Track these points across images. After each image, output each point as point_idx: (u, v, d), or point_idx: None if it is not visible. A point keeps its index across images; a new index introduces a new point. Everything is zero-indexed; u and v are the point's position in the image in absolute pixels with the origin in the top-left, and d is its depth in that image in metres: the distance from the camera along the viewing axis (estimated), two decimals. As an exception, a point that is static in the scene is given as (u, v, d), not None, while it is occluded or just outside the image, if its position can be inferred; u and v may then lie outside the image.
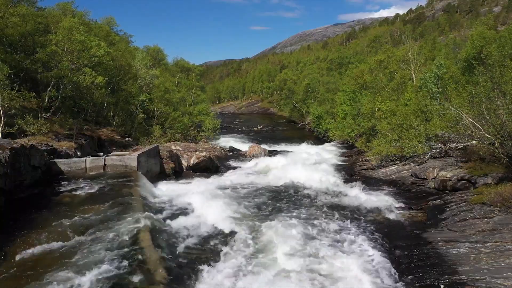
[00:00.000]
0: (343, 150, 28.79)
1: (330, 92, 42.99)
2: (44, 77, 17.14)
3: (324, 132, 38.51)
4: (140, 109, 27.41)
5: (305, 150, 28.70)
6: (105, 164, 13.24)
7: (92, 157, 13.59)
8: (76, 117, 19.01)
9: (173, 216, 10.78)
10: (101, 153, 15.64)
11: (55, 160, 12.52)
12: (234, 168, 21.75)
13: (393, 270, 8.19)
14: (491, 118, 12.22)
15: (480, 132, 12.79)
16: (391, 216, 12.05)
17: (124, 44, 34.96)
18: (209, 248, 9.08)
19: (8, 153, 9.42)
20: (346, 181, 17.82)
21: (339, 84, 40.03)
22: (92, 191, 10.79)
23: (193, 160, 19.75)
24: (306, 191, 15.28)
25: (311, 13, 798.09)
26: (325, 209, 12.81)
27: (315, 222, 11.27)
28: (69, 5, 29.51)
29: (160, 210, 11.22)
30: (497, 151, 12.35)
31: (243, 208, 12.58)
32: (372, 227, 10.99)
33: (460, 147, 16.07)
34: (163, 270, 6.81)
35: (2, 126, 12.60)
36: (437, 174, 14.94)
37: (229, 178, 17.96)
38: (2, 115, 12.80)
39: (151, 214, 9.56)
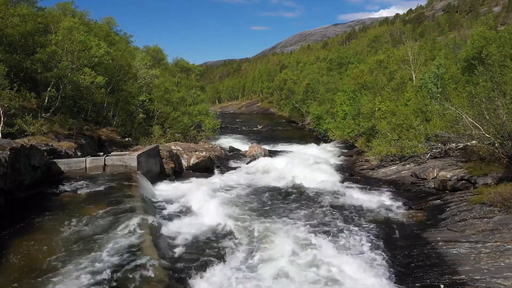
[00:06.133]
0: (343, 150, 28.77)
1: (330, 92, 42.96)
2: (44, 77, 17.13)
3: (324, 132, 38.50)
4: (140, 109, 27.40)
5: (305, 150, 28.69)
6: (105, 164, 13.23)
7: (92, 157, 13.58)
8: (76, 117, 19.00)
9: (173, 216, 10.79)
10: (101, 153, 15.64)
11: (55, 160, 12.51)
12: (234, 168, 21.74)
13: (393, 270, 8.20)
14: (491, 118, 12.23)
15: (480, 132, 12.79)
16: (391, 216, 12.05)
17: (124, 44, 34.91)
18: (209, 248, 9.07)
19: (8, 153, 9.42)
20: (346, 181, 17.82)
21: (339, 84, 40.01)
22: (92, 191, 10.79)
23: (193, 160, 19.74)
24: (306, 191, 15.27)
25: (311, 13, 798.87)
26: (324, 209, 12.80)
27: (315, 222, 11.26)
28: (69, 5, 29.50)
29: (160, 210, 11.23)
30: (497, 151, 12.36)
31: (243, 208, 12.58)
32: (372, 227, 10.98)
33: (460, 147, 16.08)
34: (163, 270, 6.81)
35: (2, 126, 12.60)
36: (437, 174, 14.94)
37: (229, 178, 17.96)
38: (2, 115, 12.80)
39: (151, 214, 9.56)
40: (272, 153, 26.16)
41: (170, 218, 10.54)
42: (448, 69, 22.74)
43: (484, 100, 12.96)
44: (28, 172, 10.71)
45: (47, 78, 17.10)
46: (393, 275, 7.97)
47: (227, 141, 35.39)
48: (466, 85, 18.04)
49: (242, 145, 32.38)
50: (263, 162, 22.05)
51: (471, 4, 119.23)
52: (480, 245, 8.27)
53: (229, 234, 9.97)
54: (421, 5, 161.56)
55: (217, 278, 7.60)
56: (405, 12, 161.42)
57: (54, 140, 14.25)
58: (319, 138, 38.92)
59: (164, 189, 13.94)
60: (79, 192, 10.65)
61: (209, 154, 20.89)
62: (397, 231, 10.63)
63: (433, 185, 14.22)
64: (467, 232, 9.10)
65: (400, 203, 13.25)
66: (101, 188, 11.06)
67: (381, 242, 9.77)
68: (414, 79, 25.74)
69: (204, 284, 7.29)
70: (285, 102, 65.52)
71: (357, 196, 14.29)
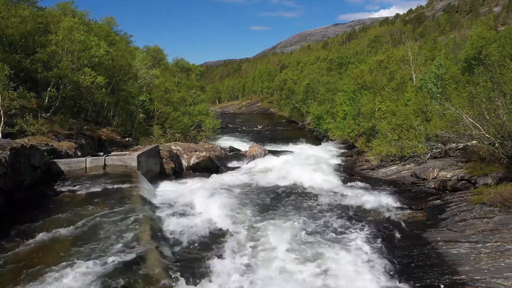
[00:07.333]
0: (343, 150, 28.77)
1: (330, 92, 42.95)
2: (44, 77, 17.13)
3: (324, 132, 38.49)
4: (140, 109, 27.40)
5: (305, 150, 28.69)
6: (105, 164, 13.24)
7: (92, 157, 13.59)
8: (76, 117, 19.00)
9: (173, 216, 10.79)
10: (101, 153, 15.64)
11: (55, 160, 12.51)
12: (234, 168, 21.74)
13: (393, 270, 8.20)
14: (491, 118, 12.23)
15: (480, 132, 12.80)
16: (391, 216, 12.05)
17: (124, 44, 34.91)
18: (209, 247, 9.08)
19: (8, 153, 9.42)
20: (346, 181, 17.82)
21: (339, 84, 39.98)
22: (92, 191, 10.79)
23: (193, 160, 19.74)
24: (306, 191, 15.28)
25: (311, 13, 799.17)
26: (325, 209, 12.81)
27: (315, 222, 11.27)
28: (69, 5, 29.51)
29: (160, 210, 11.23)
30: (497, 151, 12.37)
31: (243, 208, 12.58)
32: (372, 227, 10.98)
33: (460, 147, 16.08)
34: (163, 270, 6.82)
35: (2, 126, 12.60)
36: (437, 174, 14.94)
37: (229, 178, 17.95)
38: (2, 115, 12.81)
39: (151, 214, 9.57)
40: (272, 153, 26.14)
41: (170, 218, 10.53)
42: (448, 69, 22.74)
43: (484, 100, 12.96)
44: (28, 172, 10.71)
45: (47, 78, 17.10)
46: (393, 275, 7.97)
47: (227, 141, 35.39)
48: (466, 85, 18.04)
49: (242, 145, 32.37)
50: (263, 162, 22.05)
51: (471, 4, 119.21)
52: (480, 245, 8.27)
53: (228, 234, 9.98)
54: (421, 5, 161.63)
55: (217, 276, 7.60)
56: (405, 12, 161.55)
57: (54, 140, 14.26)
58: (319, 138, 38.92)
59: (164, 189, 13.94)
60: (79, 192, 10.66)
61: (209, 154, 20.88)
62: (397, 231, 10.62)
63: (433, 185, 14.22)
64: (467, 232, 9.10)
65: (400, 203, 13.25)
66: (101, 188, 11.07)
67: (381, 242, 9.77)
68: (414, 79, 25.74)
69: (203, 282, 7.29)
70: (285, 102, 65.53)
71: (357, 196, 14.28)
